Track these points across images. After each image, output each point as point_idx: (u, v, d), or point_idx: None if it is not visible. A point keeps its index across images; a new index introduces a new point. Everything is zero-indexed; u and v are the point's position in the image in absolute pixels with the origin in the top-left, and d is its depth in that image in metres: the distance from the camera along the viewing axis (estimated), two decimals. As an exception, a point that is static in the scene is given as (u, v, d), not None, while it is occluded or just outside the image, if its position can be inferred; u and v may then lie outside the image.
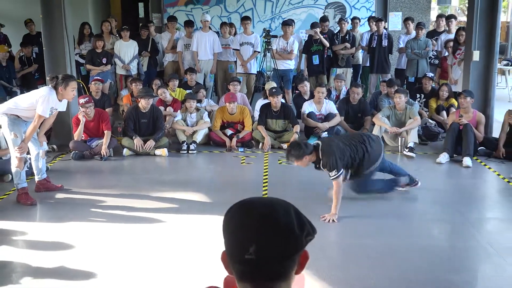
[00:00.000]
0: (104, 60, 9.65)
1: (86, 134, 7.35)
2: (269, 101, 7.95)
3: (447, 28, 10.00)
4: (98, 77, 8.94)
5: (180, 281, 3.93)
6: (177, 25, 10.84)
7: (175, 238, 4.71)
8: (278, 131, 7.92)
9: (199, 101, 8.46)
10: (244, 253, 1.18)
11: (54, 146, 7.57)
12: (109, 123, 7.35)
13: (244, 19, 10.03)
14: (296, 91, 9.87)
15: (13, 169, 5.50)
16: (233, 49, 9.93)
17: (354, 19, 10.96)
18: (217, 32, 10.51)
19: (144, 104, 7.46)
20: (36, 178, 5.86)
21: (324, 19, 10.29)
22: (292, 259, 1.21)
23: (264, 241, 1.18)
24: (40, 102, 5.34)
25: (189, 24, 10.27)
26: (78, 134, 7.19)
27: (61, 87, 5.44)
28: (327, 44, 9.87)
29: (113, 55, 9.84)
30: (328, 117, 8.06)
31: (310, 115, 8.02)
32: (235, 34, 10.61)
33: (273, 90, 7.86)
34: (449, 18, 10.27)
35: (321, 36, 9.75)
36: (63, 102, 5.63)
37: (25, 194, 5.52)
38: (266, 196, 5.74)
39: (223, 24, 10.57)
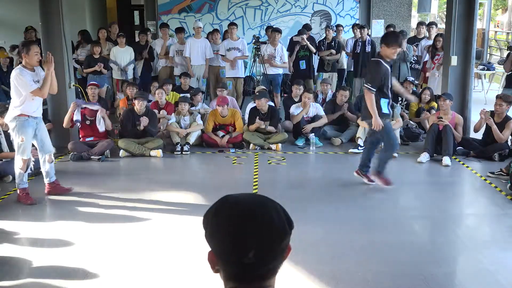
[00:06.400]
0: (101, 65, 9.61)
1: (84, 136, 7.34)
2: (257, 104, 8.01)
3: (428, 34, 10.07)
4: (95, 82, 8.88)
5: (174, 279, 3.91)
6: (170, 31, 10.81)
7: (169, 236, 4.69)
8: (267, 132, 7.92)
9: (192, 104, 8.45)
10: (241, 257, 1.15)
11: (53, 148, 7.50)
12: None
13: (230, 24, 9.98)
14: (285, 95, 9.90)
15: (17, 170, 5.42)
16: (220, 54, 9.88)
17: (337, 26, 11.04)
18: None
19: (137, 106, 7.42)
20: (46, 181, 5.73)
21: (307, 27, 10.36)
22: (282, 255, 1.21)
23: (263, 245, 1.16)
24: (18, 83, 5.17)
25: (180, 30, 10.25)
26: (66, 120, 7.21)
27: (23, 54, 5.23)
28: (314, 50, 9.91)
29: (109, 61, 9.80)
30: (314, 118, 8.09)
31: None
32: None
33: (257, 93, 7.98)
34: (430, 25, 10.35)
35: (308, 43, 9.77)
36: (39, 71, 5.38)
37: (25, 194, 5.46)
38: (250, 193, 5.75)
39: (214, 31, 10.55)
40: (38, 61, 5.35)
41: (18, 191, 5.51)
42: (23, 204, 5.41)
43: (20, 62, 10.10)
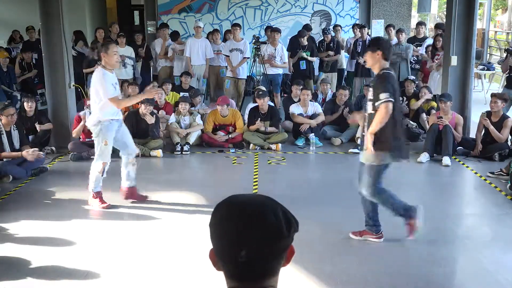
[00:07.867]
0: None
1: (84, 136, 7.34)
2: (257, 104, 7.99)
3: (429, 34, 10.08)
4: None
5: (174, 278, 3.91)
6: (169, 31, 10.81)
7: (169, 235, 4.69)
8: (267, 132, 7.93)
9: (192, 105, 8.45)
10: (236, 256, 1.16)
11: (53, 148, 7.51)
12: None
13: (234, 25, 10.00)
14: (285, 95, 9.91)
15: (94, 174, 5.28)
16: (223, 55, 9.90)
17: (335, 26, 11.09)
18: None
19: (143, 110, 7.39)
20: (125, 184, 5.53)
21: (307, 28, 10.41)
22: (281, 256, 1.22)
23: (254, 245, 1.16)
24: (100, 86, 4.98)
25: (175, 36, 10.34)
26: (77, 132, 7.16)
27: (103, 53, 5.05)
28: (315, 59, 9.98)
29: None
30: (312, 117, 8.11)
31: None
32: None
33: (260, 93, 7.98)
34: (438, 27, 10.33)
35: (311, 59, 9.80)
36: (114, 76, 5.23)
37: (100, 198, 5.34)
38: (255, 193, 5.75)
39: (214, 31, 10.55)
40: (117, 61, 5.22)
41: (91, 195, 5.34)
42: (96, 209, 5.26)
43: (21, 61, 10.24)
